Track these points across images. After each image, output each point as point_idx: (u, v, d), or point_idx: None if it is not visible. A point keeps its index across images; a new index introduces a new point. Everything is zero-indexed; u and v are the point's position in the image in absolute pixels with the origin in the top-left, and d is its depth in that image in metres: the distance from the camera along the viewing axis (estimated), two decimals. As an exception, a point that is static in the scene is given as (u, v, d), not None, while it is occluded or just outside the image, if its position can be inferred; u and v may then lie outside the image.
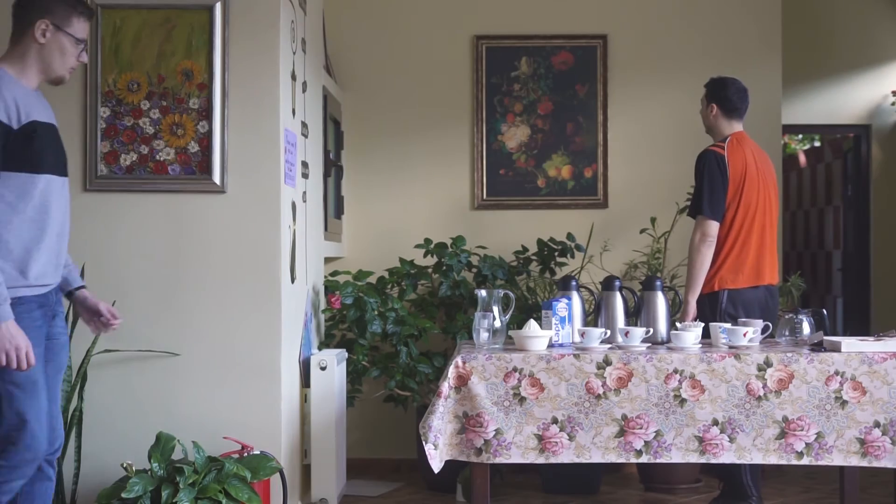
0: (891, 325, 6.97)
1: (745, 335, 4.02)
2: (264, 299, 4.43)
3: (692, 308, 4.65)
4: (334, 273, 5.72)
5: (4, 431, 3.23)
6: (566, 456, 3.85)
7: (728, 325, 4.14)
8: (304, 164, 4.96)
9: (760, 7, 6.25)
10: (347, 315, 5.35)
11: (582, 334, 4.04)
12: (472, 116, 6.21)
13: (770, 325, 4.23)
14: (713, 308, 4.64)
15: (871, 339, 4.04)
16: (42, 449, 3.30)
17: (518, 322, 4.84)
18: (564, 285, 4.33)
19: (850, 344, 3.91)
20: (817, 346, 4.02)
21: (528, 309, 5.57)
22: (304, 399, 4.81)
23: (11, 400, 3.23)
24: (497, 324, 4.00)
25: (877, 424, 3.83)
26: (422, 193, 6.22)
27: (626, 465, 5.87)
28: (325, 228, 5.56)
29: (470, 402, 3.84)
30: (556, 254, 5.86)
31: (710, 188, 4.64)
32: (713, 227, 4.64)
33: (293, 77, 4.69)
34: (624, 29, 6.23)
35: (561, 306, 4.12)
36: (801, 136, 10.45)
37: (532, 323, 4.04)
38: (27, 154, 3.23)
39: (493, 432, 3.83)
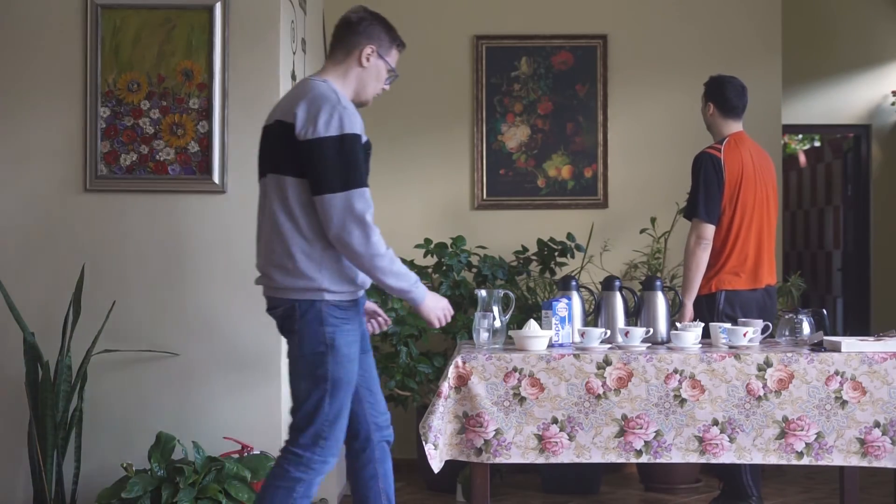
0: (891, 325, 6.97)
1: (745, 335, 4.02)
2: (264, 299, 4.42)
3: (689, 311, 4.65)
4: (334, 273, 5.71)
5: (317, 427, 3.34)
6: (566, 456, 3.85)
7: (728, 325, 4.14)
8: (304, 164, 4.95)
9: (760, 7, 6.25)
10: (347, 315, 5.35)
11: (582, 334, 4.04)
12: (472, 116, 6.21)
13: (770, 325, 4.23)
14: (711, 309, 4.64)
15: (871, 339, 4.04)
16: (341, 445, 3.44)
17: (518, 322, 4.84)
18: (564, 285, 4.32)
19: (850, 344, 3.91)
20: (817, 346, 4.01)
21: (528, 309, 5.57)
22: (304, 399, 4.80)
23: (334, 396, 3.34)
24: (497, 324, 4.00)
25: (877, 424, 3.83)
26: (422, 193, 6.22)
27: (626, 465, 5.88)
28: (325, 228, 5.55)
29: (470, 402, 3.84)
30: (556, 254, 5.86)
31: (705, 191, 4.64)
32: (709, 230, 4.64)
33: (293, 77, 4.68)
34: (624, 29, 6.23)
35: (561, 306, 4.12)
36: (801, 136, 10.45)
37: (532, 323, 4.04)
38: (366, 169, 3.41)
39: (493, 432, 3.83)
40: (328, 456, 3.36)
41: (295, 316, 3.33)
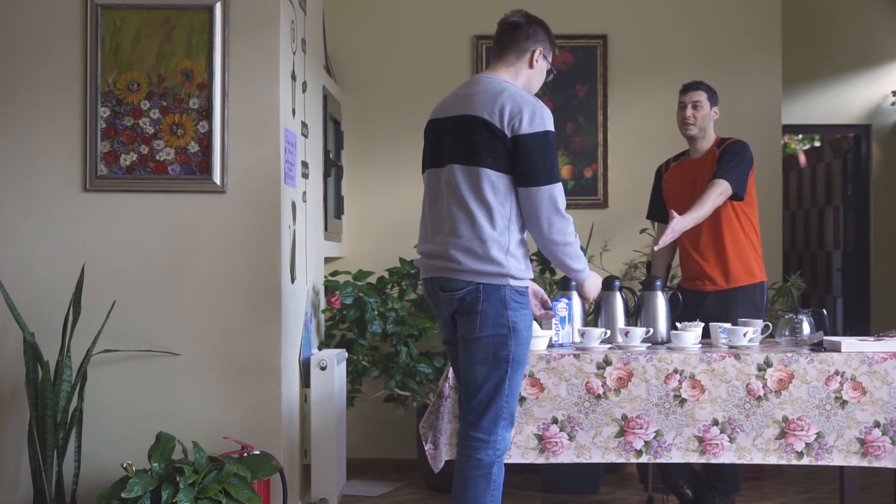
0: (891, 325, 6.97)
1: (745, 335, 4.02)
2: (264, 299, 4.43)
3: (680, 224, 4.41)
4: (334, 273, 5.72)
5: (497, 407, 3.53)
6: (566, 456, 3.85)
7: (728, 325, 4.15)
8: (304, 164, 4.96)
9: (760, 7, 6.25)
10: (347, 315, 5.35)
11: (582, 334, 4.04)
12: (472, 116, 6.19)
13: (770, 325, 4.23)
14: (760, 299, 4.66)
15: (871, 339, 4.04)
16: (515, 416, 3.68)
17: (518, 322, 4.83)
18: (564, 285, 4.32)
19: (850, 344, 3.91)
20: (817, 346, 4.02)
21: (528, 309, 5.56)
22: (304, 399, 4.81)
23: (513, 378, 3.54)
24: (497, 324, 3.99)
25: (877, 424, 3.83)
26: (422, 193, 6.20)
27: (626, 465, 5.87)
28: (325, 228, 5.56)
29: (470, 402, 3.83)
30: (556, 254, 5.85)
31: (745, 172, 4.56)
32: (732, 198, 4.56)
33: (293, 77, 4.69)
34: (624, 29, 6.23)
35: (561, 306, 4.12)
36: (801, 136, 10.45)
37: (532, 323, 4.03)
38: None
39: (493, 432, 3.83)
40: (508, 432, 3.55)
41: (479, 298, 3.50)
